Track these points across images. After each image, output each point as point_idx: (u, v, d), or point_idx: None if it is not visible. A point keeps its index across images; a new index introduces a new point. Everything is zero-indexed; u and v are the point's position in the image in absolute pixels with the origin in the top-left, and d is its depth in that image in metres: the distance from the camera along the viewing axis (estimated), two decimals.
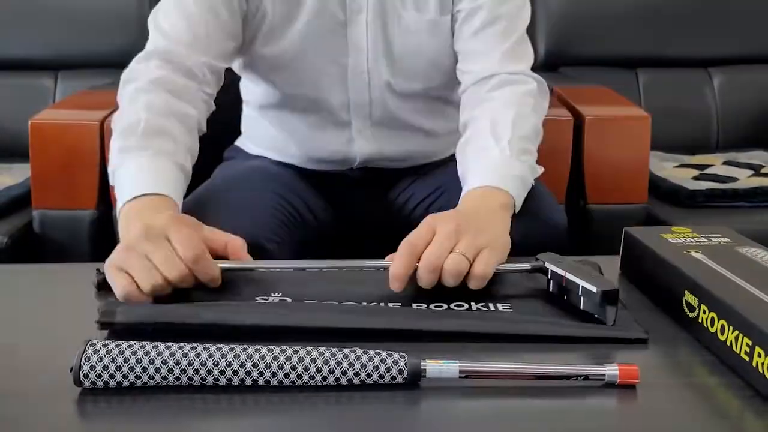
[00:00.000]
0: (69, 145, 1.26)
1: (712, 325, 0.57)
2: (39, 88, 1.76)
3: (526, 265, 0.68)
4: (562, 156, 1.29)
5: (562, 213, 0.93)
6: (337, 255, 1.14)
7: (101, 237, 1.29)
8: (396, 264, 0.66)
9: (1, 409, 0.51)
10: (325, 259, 0.71)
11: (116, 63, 1.77)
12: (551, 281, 0.66)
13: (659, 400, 0.52)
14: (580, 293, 0.62)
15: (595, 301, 0.61)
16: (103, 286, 0.70)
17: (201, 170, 1.09)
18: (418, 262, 0.66)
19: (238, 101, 1.14)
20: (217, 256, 0.70)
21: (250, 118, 1.15)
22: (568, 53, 1.84)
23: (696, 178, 1.49)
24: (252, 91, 1.09)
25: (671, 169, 1.56)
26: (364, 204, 1.10)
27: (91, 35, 1.75)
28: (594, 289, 0.61)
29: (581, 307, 0.62)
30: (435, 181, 1.07)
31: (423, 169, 1.11)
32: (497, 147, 0.84)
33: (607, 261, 0.74)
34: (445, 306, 0.64)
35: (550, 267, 0.66)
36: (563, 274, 0.64)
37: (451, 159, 1.13)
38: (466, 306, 0.64)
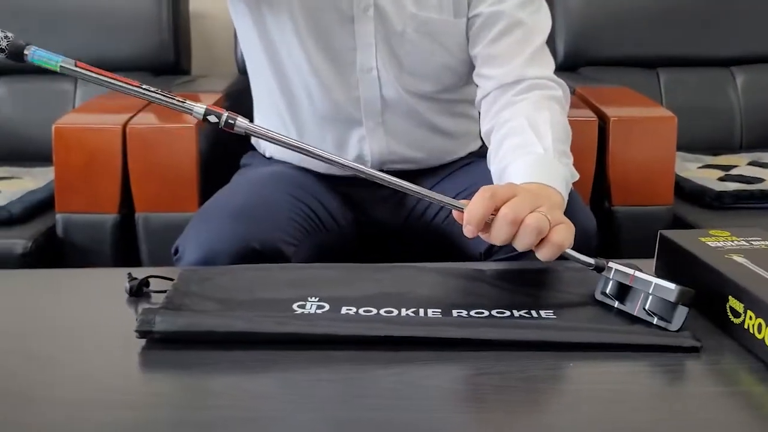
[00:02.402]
0: (92, 149, 1.26)
1: (760, 332, 0.56)
2: (59, 92, 1.76)
3: (590, 260, 0.66)
4: (586, 157, 1.28)
5: (592, 217, 0.92)
6: (358, 261, 1.14)
7: (123, 241, 1.29)
8: (474, 206, 0.63)
9: (38, 417, 0.50)
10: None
11: (135, 66, 1.80)
12: (607, 281, 0.64)
13: (707, 410, 0.51)
14: (651, 291, 0.60)
15: (668, 302, 0.58)
16: (136, 292, 0.70)
17: (218, 178, 1.10)
18: (494, 214, 0.63)
19: (252, 108, 1.14)
20: None
21: (262, 123, 1.14)
22: (587, 53, 1.82)
23: (721, 179, 1.47)
24: (263, 92, 1.09)
25: (695, 170, 1.54)
26: (382, 208, 1.10)
27: (110, 39, 1.75)
28: (672, 286, 0.58)
29: (646, 308, 0.60)
30: (458, 184, 1.06)
31: (441, 171, 1.11)
32: (541, 145, 0.82)
33: (643, 263, 0.73)
34: (486, 313, 0.63)
35: (615, 265, 0.64)
36: (631, 272, 0.62)
37: (469, 159, 1.14)
38: (507, 313, 0.63)
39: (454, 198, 1.02)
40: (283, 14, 0.95)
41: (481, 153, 1.16)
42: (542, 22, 0.97)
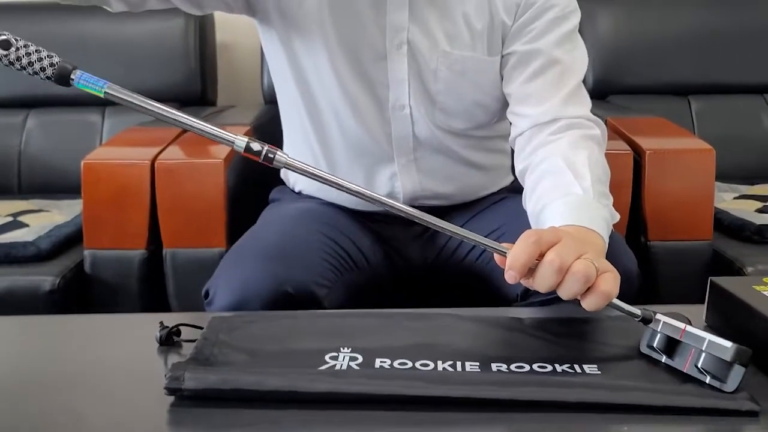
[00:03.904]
0: (120, 185, 1.25)
1: None
2: (87, 124, 1.77)
3: (636, 310, 0.63)
4: (621, 191, 1.24)
5: (634, 259, 0.89)
6: (389, 299, 1.13)
7: (151, 277, 1.28)
8: (518, 251, 0.61)
9: None
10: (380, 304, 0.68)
11: (162, 97, 1.78)
12: (654, 334, 0.61)
13: None
14: (704, 348, 0.57)
15: (723, 360, 0.55)
16: (167, 341, 0.69)
17: (246, 214, 1.09)
18: (538, 260, 0.61)
19: (281, 140, 1.12)
20: None
21: (293, 156, 1.13)
22: (616, 81, 1.80)
23: (760, 210, 1.42)
24: (294, 126, 1.07)
25: (731, 200, 1.50)
26: (413, 245, 1.07)
27: (138, 70, 1.76)
28: (728, 344, 0.55)
29: (698, 365, 0.57)
30: (491, 221, 1.04)
31: (473, 207, 1.08)
32: (580, 186, 0.79)
33: (690, 311, 0.70)
34: (526, 367, 0.61)
35: (663, 317, 0.61)
36: (682, 326, 0.59)
37: (501, 194, 1.11)
38: (549, 368, 0.60)
39: (488, 236, 1.02)
40: (317, 49, 0.94)
41: (513, 188, 1.14)
42: (579, 60, 0.95)
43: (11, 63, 0.61)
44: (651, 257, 1.26)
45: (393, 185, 1.04)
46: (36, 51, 0.61)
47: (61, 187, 1.68)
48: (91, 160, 1.26)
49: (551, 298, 0.74)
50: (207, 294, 0.87)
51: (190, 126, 0.62)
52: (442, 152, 1.02)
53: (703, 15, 1.80)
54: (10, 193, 1.71)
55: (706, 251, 1.26)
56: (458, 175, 1.05)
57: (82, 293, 1.27)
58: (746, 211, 1.42)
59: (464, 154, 1.04)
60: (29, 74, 0.62)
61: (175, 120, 0.62)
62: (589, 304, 0.61)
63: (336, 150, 1.03)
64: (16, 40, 0.61)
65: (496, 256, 0.64)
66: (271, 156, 0.62)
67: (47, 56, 0.61)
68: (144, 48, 1.78)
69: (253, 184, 1.36)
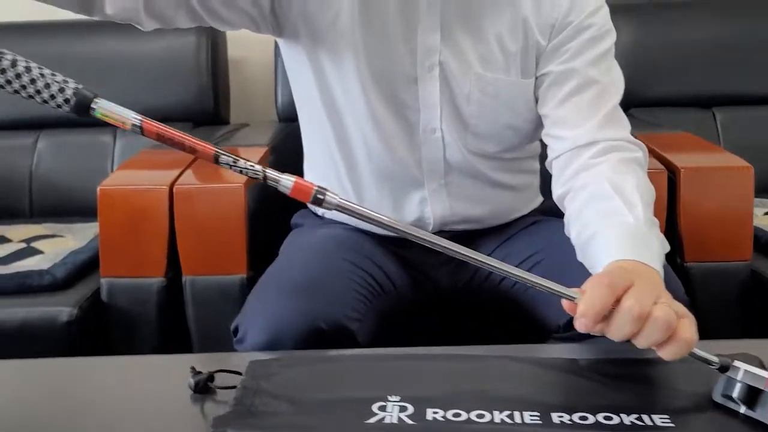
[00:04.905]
0: (138, 211, 1.22)
1: None
2: (98, 145, 1.74)
3: (714, 358, 0.59)
4: (656, 211, 1.18)
5: (681, 287, 0.85)
6: (417, 323, 1.09)
7: (170, 305, 1.24)
8: (593, 297, 0.57)
9: None
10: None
11: (175, 116, 1.77)
12: (731, 382, 0.57)
13: None
14: None
15: None
16: (202, 389, 0.65)
17: (267, 239, 1.05)
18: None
19: (300, 160, 1.09)
20: None
21: (315, 179, 1.09)
22: (638, 94, 1.75)
23: None
24: (318, 148, 1.04)
25: (761, 216, 1.45)
26: (442, 270, 1.04)
27: (150, 89, 1.73)
28: None
29: None
30: (527, 246, 1.00)
31: (505, 231, 1.05)
32: (631, 214, 0.76)
33: (756, 347, 0.66)
34: (591, 419, 0.56)
35: (743, 365, 0.57)
36: (767, 376, 0.55)
37: (532, 217, 1.08)
38: (616, 419, 0.56)
39: (525, 261, 0.98)
40: (347, 70, 0.91)
41: (543, 209, 1.11)
42: (616, 81, 0.92)
43: (16, 92, 0.57)
44: (688, 279, 1.22)
45: (423, 210, 1.00)
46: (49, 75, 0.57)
47: (73, 209, 1.65)
48: (108, 186, 1.23)
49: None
50: (236, 331, 0.83)
51: (227, 163, 0.58)
52: (472, 176, 0.99)
53: (725, 25, 1.76)
54: (22, 216, 1.68)
55: (745, 272, 1.22)
56: (489, 198, 1.02)
57: (99, 323, 1.23)
58: None
59: (495, 177, 1.01)
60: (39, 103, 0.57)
61: (211, 154, 0.58)
62: (668, 353, 0.57)
63: (363, 174, 0.99)
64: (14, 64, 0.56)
65: (565, 302, 0.60)
66: (321, 197, 0.59)
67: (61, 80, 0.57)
68: (156, 67, 1.74)
69: (273, 207, 1.32)
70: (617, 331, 0.57)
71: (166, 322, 1.24)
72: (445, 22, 0.90)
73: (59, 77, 0.58)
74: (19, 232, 1.49)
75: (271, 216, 1.29)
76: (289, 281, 0.85)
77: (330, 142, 0.99)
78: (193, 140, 0.58)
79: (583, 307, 0.57)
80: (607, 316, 0.57)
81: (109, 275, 1.23)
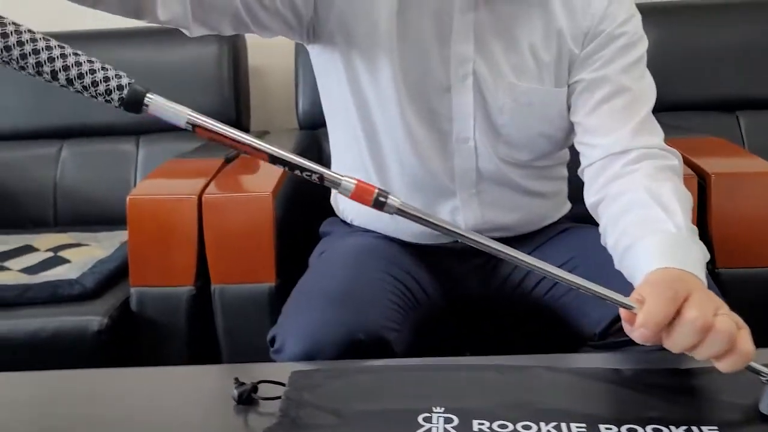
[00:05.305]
0: (167, 220, 1.22)
1: None
2: (121, 154, 1.75)
3: (766, 369, 0.58)
4: None
5: (721, 296, 0.84)
6: (447, 330, 1.08)
7: (199, 314, 1.24)
8: (655, 307, 0.56)
9: None
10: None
11: None
12: None
13: None
14: None
15: None
16: (246, 400, 0.65)
17: (295, 246, 1.05)
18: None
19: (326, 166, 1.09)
20: None
21: None
22: (660, 98, 1.72)
23: None
24: (348, 155, 1.03)
25: None
26: (472, 277, 1.04)
27: (171, 99, 1.72)
28: None
29: None
30: (560, 253, 0.99)
31: (536, 238, 1.05)
32: (672, 222, 0.75)
33: None
34: (639, 430, 0.56)
35: None
36: None
37: (563, 224, 1.07)
38: (665, 430, 0.56)
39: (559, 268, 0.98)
40: (382, 77, 0.91)
41: (573, 215, 1.10)
42: (648, 89, 0.92)
43: (69, 82, 0.56)
44: (720, 286, 1.21)
45: (454, 219, 1.00)
46: (102, 69, 0.57)
47: (98, 218, 1.66)
48: (137, 196, 1.23)
49: (631, 339, 0.70)
50: (272, 341, 0.83)
51: (285, 162, 0.58)
52: (504, 184, 0.99)
53: (749, 28, 1.75)
54: (47, 225, 1.69)
55: None
56: (520, 205, 1.02)
57: (128, 332, 1.24)
58: None
59: (526, 184, 1.01)
60: (90, 97, 0.57)
61: (268, 153, 0.58)
62: (727, 365, 0.56)
63: (395, 183, 0.99)
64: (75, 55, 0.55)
65: (622, 312, 0.59)
66: (383, 200, 0.58)
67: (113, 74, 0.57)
68: (178, 75, 1.75)
69: (300, 215, 1.32)
70: (678, 342, 0.56)
71: (194, 330, 1.25)
72: (479, 32, 0.90)
73: (111, 71, 0.58)
74: (45, 241, 1.50)
75: (298, 224, 1.29)
76: (326, 292, 0.85)
77: (362, 151, 0.99)
78: (251, 140, 0.58)
79: (643, 317, 0.56)
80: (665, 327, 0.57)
81: (138, 284, 1.23)
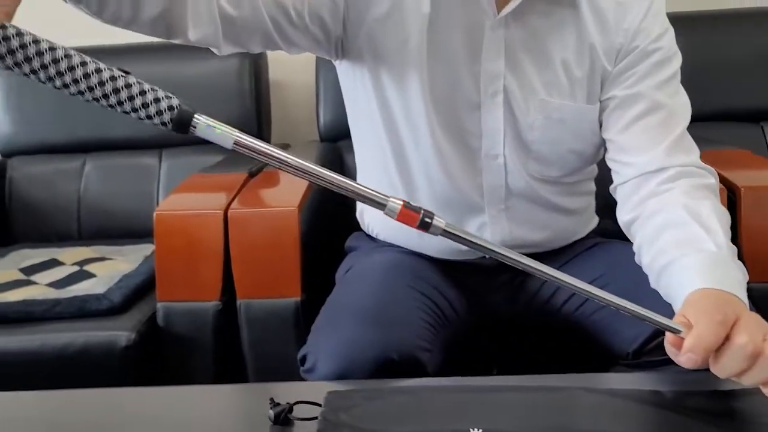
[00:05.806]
0: (193, 235, 1.23)
1: None
2: (144, 167, 1.76)
3: None
4: None
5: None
6: (473, 346, 1.07)
7: (225, 329, 1.25)
8: (705, 332, 0.56)
9: None
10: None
11: None
12: None
13: None
14: None
15: None
16: (282, 421, 0.64)
17: (320, 260, 1.04)
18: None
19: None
20: None
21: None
22: None
23: None
24: (374, 170, 1.03)
25: None
26: (498, 293, 1.03)
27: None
28: None
29: None
30: (590, 269, 0.98)
31: (564, 254, 1.04)
32: (713, 242, 0.74)
33: None
34: None
35: None
36: None
37: (591, 240, 1.06)
38: None
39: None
40: (411, 93, 0.91)
41: (602, 231, 1.09)
42: (683, 105, 0.91)
43: (120, 103, 0.57)
44: (750, 300, 1.19)
45: (482, 235, 0.99)
46: (151, 90, 0.57)
47: (121, 231, 1.67)
48: (163, 211, 1.24)
49: (666, 359, 0.69)
50: (304, 360, 0.83)
51: (332, 184, 0.58)
52: (533, 200, 0.98)
53: None
54: (71, 239, 1.70)
55: None
56: (549, 222, 1.01)
57: (155, 347, 1.24)
58: None
59: (555, 201, 1.00)
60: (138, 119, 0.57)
61: (316, 176, 0.58)
62: None
63: (421, 197, 0.99)
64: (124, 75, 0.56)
65: (669, 336, 0.59)
66: (428, 221, 0.58)
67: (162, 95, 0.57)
68: (200, 90, 1.76)
69: (325, 229, 1.32)
70: (727, 367, 0.56)
71: (220, 345, 1.25)
72: (510, 48, 0.89)
73: (160, 92, 0.58)
74: (70, 255, 1.51)
75: (323, 237, 1.29)
76: (356, 310, 0.84)
77: (389, 167, 0.99)
78: (295, 160, 0.59)
79: (692, 341, 0.56)
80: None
81: (165, 299, 1.24)
